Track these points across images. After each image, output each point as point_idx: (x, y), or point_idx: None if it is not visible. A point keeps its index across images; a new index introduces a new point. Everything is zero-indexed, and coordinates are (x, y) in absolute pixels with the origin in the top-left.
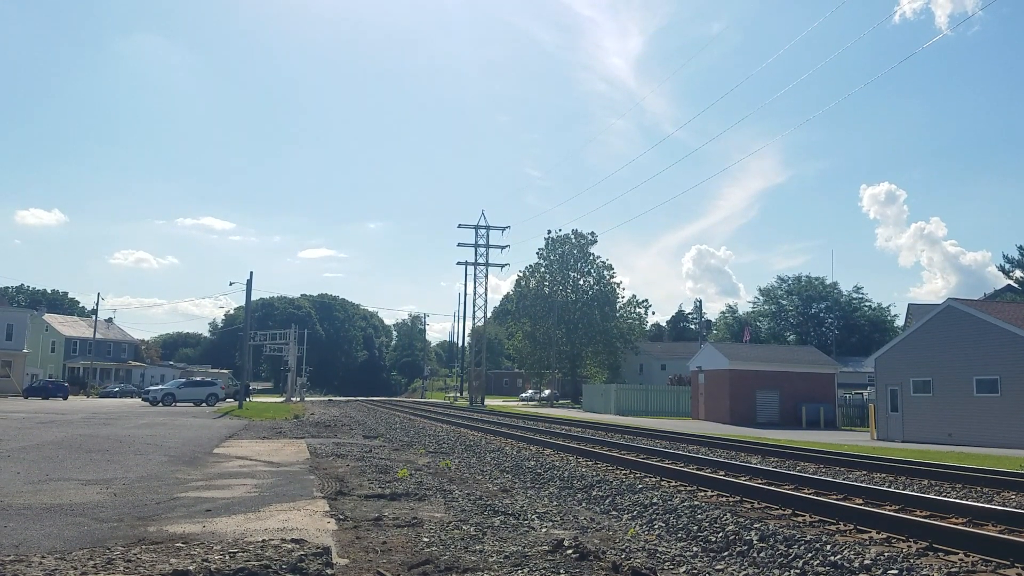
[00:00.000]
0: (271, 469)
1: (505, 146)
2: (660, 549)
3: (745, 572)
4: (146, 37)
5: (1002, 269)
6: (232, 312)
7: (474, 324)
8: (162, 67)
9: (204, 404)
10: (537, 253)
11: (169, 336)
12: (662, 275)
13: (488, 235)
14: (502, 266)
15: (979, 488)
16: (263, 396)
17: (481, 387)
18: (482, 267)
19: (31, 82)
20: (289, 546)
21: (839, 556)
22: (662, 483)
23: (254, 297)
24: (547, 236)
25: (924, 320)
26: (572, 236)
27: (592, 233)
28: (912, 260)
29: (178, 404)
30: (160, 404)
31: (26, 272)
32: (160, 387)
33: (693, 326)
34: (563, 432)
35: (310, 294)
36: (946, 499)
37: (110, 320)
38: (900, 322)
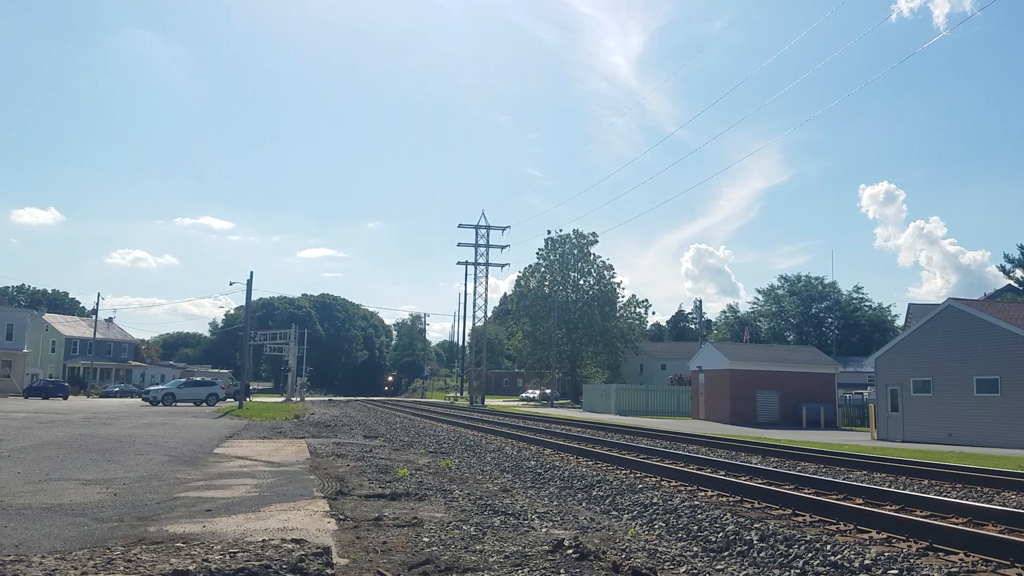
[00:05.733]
0: (271, 469)
1: (505, 146)
2: (660, 549)
3: (745, 572)
4: (143, 34)
5: (1002, 269)
6: (232, 312)
7: (474, 324)
8: (159, 65)
9: (204, 404)
10: (537, 253)
11: (169, 336)
12: (662, 275)
13: (488, 235)
14: (502, 266)
15: (979, 488)
16: (263, 396)
17: (481, 387)
18: (482, 267)
19: (25, 80)
20: (289, 546)
21: (839, 556)
22: (662, 483)
23: (254, 297)
24: (547, 236)
25: (924, 320)
26: (572, 236)
27: (593, 233)
28: (911, 260)
29: (178, 404)
30: (160, 404)
31: (23, 271)
32: (160, 387)
33: (693, 326)
34: (563, 432)
35: (311, 294)
36: (946, 499)
37: (110, 320)
38: (900, 322)
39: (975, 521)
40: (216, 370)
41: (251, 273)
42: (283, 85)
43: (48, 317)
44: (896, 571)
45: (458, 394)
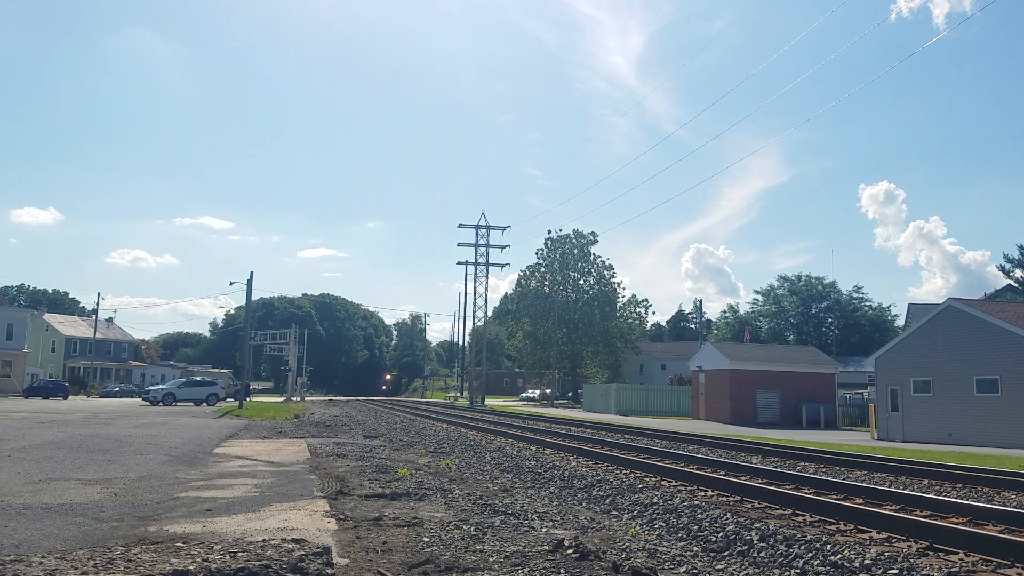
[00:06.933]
0: (271, 469)
1: (505, 146)
2: (660, 549)
3: (745, 572)
4: (143, 34)
5: (1002, 269)
6: (232, 312)
7: (474, 324)
8: (159, 65)
9: (204, 404)
10: (537, 253)
11: (169, 336)
12: (662, 275)
13: (488, 235)
14: (502, 266)
15: (979, 488)
16: (263, 396)
17: (481, 387)
18: (482, 267)
19: (25, 80)
20: (289, 546)
21: (839, 556)
22: (662, 483)
23: (254, 297)
24: (547, 236)
25: (924, 320)
26: (572, 236)
27: (593, 233)
28: (911, 260)
29: (178, 404)
30: (160, 404)
31: (23, 271)
32: (160, 387)
33: (693, 326)
34: (563, 432)
35: (311, 294)
36: (946, 499)
37: (110, 320)
38: (900, 322)
39: (975, 521)
40: (216, 370)
41: (251, 273)
42: (282, 85)
43: (48, 317)
44: (896, 571)
45: (458, 394)
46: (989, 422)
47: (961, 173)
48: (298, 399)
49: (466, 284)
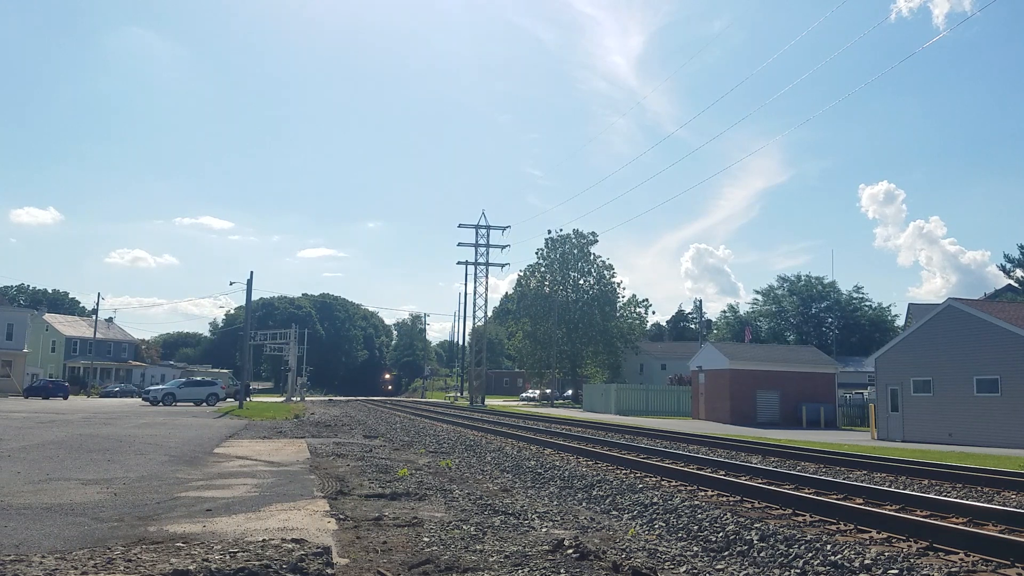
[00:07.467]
0: (271, 469)
1: (505, 146)
2: (660, 549)
3: (745, 572)
4: (143, 33)
5: (1002, 268)
6: (232, 312)
7: (474, 324)
8: (159, 65)
9: (204, 404)
10: (537, 253)
11: (169, 336)
12: (662, 275)
13: (488, 235)
14: (502, 266)
15: (979, 488)
16: (263, 396)
17: (481, 387)
18: (482, 267)
19: (25, 80)
20: (289, 546)
21: (839, 556)
22: (662, 483)
23: (254, 297)
24: (547, 236)
25: (924, 320)
26: (573, 236)
27: (593, 233)
28: (911, 259)
29: (178, 404)
30: (160, 404)
31: (23, 271)
32: (160, 387)
33: (693, 326)
34: (563, 432)
35: (311, 294)
36: (946, 499)
37: (110, 320)
38: (900, 322)
39: (975, 521)
40: (216, 370)
41: (251, 273)
42: (283, 85)
43: (48, 317)
44: (896, 571)
45: (458, 394)
46: (989, 422)
47: (961, 173)
48: (298, 399)
49: (466, 284)
